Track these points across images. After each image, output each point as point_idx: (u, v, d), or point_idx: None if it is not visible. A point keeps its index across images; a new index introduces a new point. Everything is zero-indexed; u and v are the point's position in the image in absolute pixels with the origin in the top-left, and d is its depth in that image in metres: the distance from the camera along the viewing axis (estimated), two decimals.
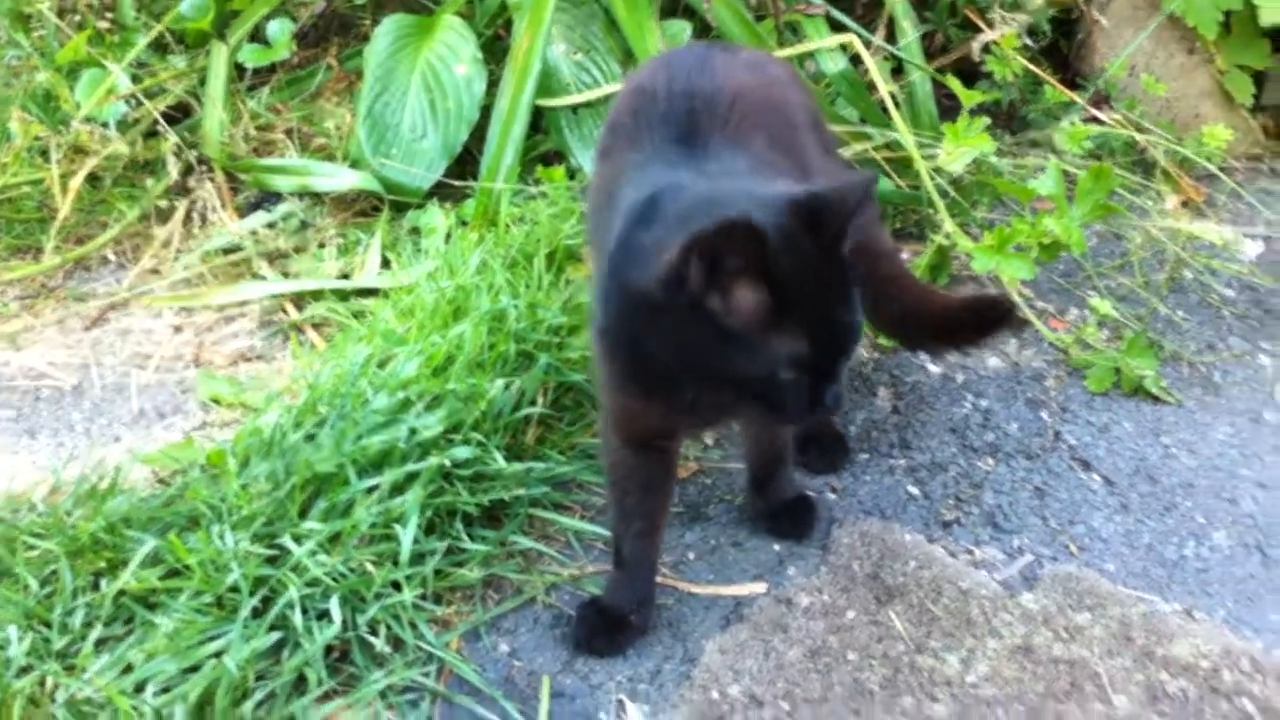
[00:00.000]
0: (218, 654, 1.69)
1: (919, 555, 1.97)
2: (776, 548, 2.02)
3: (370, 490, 1.93)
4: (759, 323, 1.43)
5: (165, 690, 1.66)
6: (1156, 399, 2.32)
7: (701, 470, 2.18)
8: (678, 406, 1.63)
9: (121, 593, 1.80)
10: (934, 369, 2.41)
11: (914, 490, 2.14)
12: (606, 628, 1.85)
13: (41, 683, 1.68)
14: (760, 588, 1.94)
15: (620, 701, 1.76)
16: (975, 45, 2.87)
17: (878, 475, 2.17)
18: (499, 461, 2.02)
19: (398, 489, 1.94)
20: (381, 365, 2.17)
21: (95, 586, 1.82)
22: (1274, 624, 1.87)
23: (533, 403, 2.13)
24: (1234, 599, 1.91)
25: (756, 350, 1.44)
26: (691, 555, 2.01)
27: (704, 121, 1.75)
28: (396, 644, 1.80)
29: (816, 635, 1.84)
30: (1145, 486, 2.13)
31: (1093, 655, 1.79)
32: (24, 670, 1.70)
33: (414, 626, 1.82)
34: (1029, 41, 3.03)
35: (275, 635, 1.73)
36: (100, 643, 1.75)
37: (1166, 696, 1.73)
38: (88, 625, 1.77)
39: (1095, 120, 2.84)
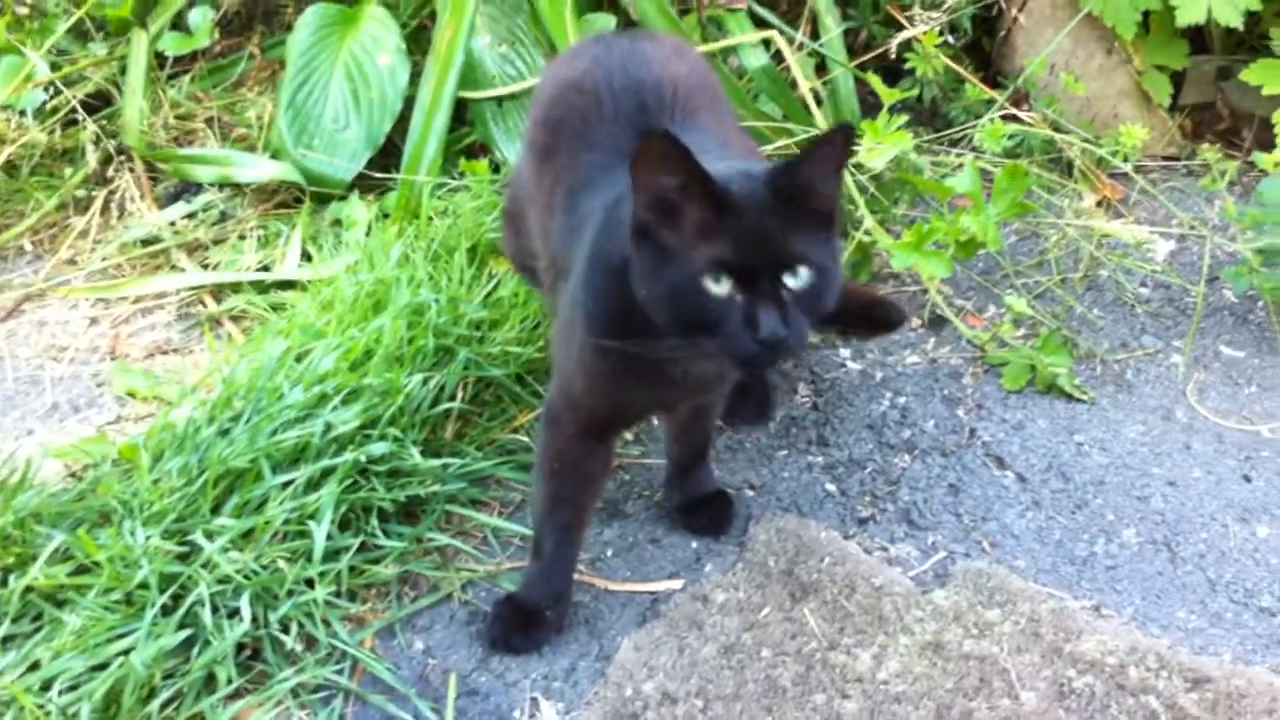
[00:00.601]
0: (126, 652, 1.68)
1: (834, 552, 1.99)
2: (694, 544, 2.03)
3: (284, 486, 1.92)
4: (695, 234, 1.45)
5: (72, 688, 1.64)
6: (1070, 397, 2.35)
7: (621, 466, 2.19)
8: (666, 383, 1.66)
9: (30, 589, 1.78)
10: (854, 365, 2.43)
11: (831, 487, 2.15)
12: (522, 624, 1.85)
13: None
14: (677, 584, 1.95)
15: (535, 699, 1.77)
16: (894, 43, 2.89)
17: (796, 472, 2.18)
18: (416, 457, 2.01)
19: (312, 485, 1.93)
20: (299, 359, 2.15)
21: (3, 582, 1.80)
22: (1181, 621, 1.90)
23: (452, 398, 2.13)
24: (1142, 596, 1.94)
25: (687, 258, 1.46)
26: (609, 552, 2.02)
27: (655, 114, 1.80)
28: (309, 642, 1.80)
29: (731, 632, 1.85)
30: (1057, 483, 2.16)
31: (1002, 651, 1.81)
32: None
33: (327, 624, 1.81)
34: (950, 39, 3.05)
35: (185, 633, 1.72)
36: (7, 640, 1.74)
37: (1073, 693, 1.75)
38: None
39: (1015, 119, 2.87)
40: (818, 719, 1.71)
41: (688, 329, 1.49)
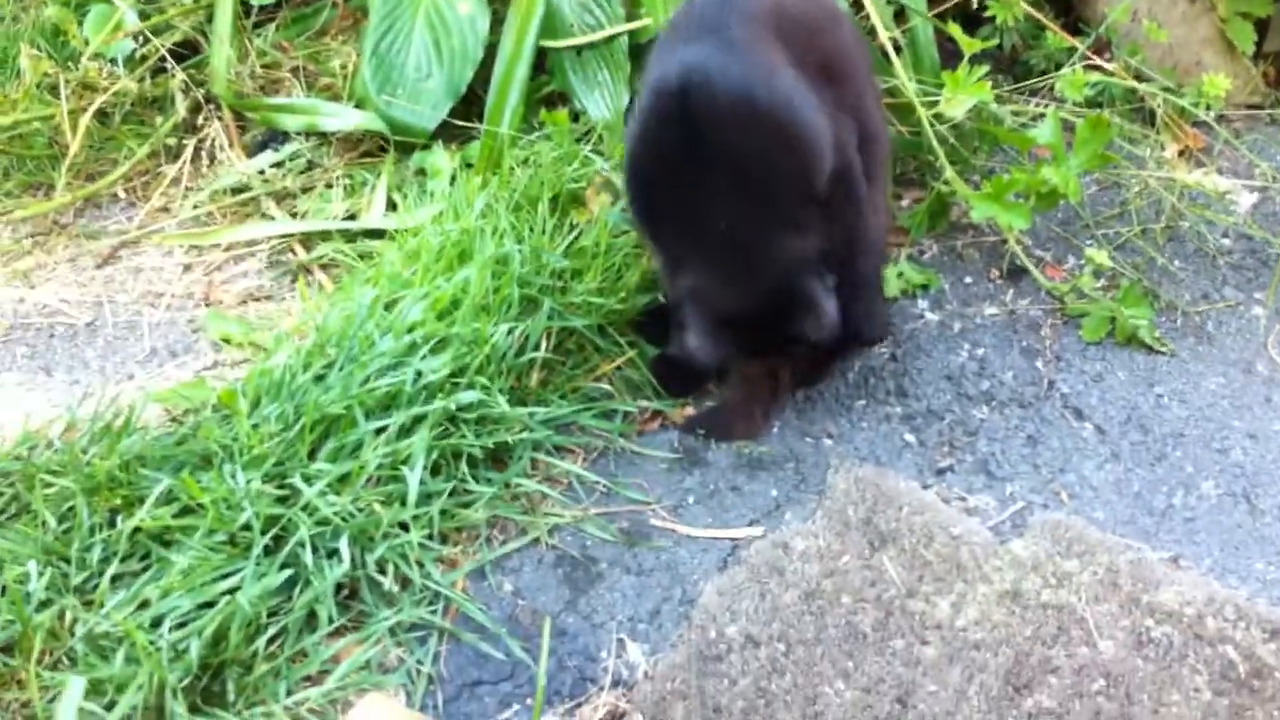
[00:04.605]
0: (231, 591, 1.75)
1: (912, 501, 2.02)
2: (774, 493, 2.07)
3: (378, 432, 1.98)
4: None
5: (181, 626, 1.71)
6: (1150, 348, 2.36)
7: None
8: None
9: (137, 530, 1.85)
10: (932, 316, 2.45)
11: (909, 437, 2.18)
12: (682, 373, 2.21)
13: (61, 616, 1.74)
14: (757, 531, 2.00)
15: (620, 640, 1.82)
16: None
17: (874, 422, 2.21)
18: (503, 405, 2.06)
19: (405, 431, 1.99)
20: (388, 308, 2.20)
21: (111, 523, 1.87)
22: (1258, 573, 1.92)
23: (536, 347, 2.17)
24: (1220, 548, 1.97)
25: None
26: (691, 499, 2.06)
27: (717, 19, 1.98)
28: (404, 583, 1.86)
29: (811, 579, 1.89)
30: (1136, 435, 2.18)
31: (1079, 601, 1.84)
32: (44, 604, 1.75)
33: (421, 565, 1.88)
34: None
35: (286, 573, 1.79)
36: (117, 578, 1.80)
37: (1151, 642, 1.78)
38: (105, 561, 1.82)
39: (1096, 67, 2.85)
40: (897, 664, 1.76)
41: None
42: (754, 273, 1.93)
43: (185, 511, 1.87)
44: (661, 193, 1.95)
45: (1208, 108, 2.76)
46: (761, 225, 1.91)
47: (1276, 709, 1.69)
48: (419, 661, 1.77)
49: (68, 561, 1.81)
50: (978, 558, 1.92)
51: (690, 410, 2.23)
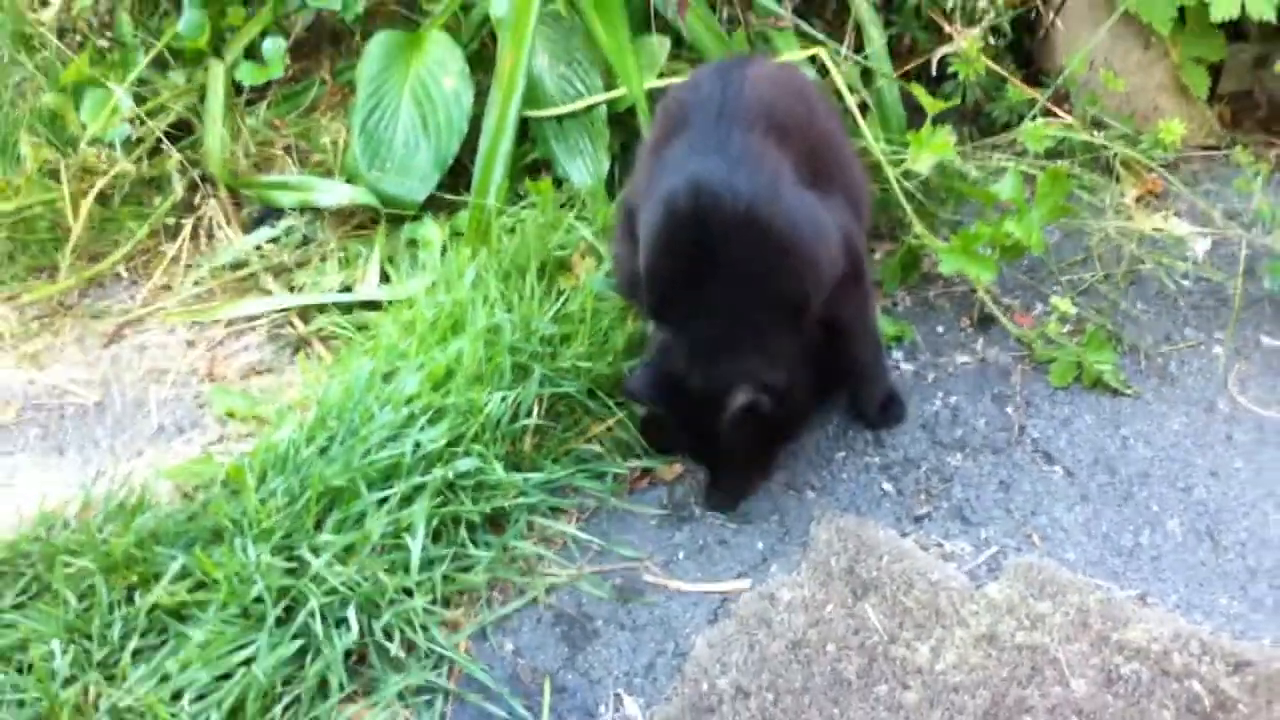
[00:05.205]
0: (247, 662, 1.84)
1: (892, 549, 2.12)
2: (759, 545, 2.17)
3: (380, 502, 2.07)
4: None
5: (200, 698, 1.80)
6: (1116, 391, 2.46)
7: (689, 471, 2.32)
8: None
9: (155, 606, 1.94)
10: (906, 366, 2.55)
11: (888, 486, 2.28)
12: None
13: (85, 692, 1.83)
14: (745, 584, 2.09)
15: (618, 695, 1.92)
16: (938, 55, 3.00)
17: (854, 473, 2.31)
18: (499, 471, 2.16)
19: (406, 500, 2.09)
20: (386, 379, 2.30)
21: (130, 600, 1.96)
22: (1222, 607, 2.02)
23: (529, 413, 2.27)
24: (1185, 584, 2.06)
25: None
26: (681, 554, 2.16)
27: (725, 119, 2.10)
28: (410, 647, 1.95)
29: (797, 628, 1.99)
30: (1104, 477, 2.28)
31: (1052, 641, 1.94)
32: (69, 681, 1.84)
33: (425, 630, 1.97)
34: (992, 40, 3.13)
35: (298, 643, 1.88)
36: (137, 653, 1.89)
37: (1120, 679, 1.88)
38: (125, 637, 1.91)
39: (1057, 116, 2.97)
40: (881, 709, 1.86)
41: None
42: (708, 359, 2.04)
43: (199, 586, 1.97)
44: (674, 292, 2.06)
45: (1164, 150, 2.86)
46: (740, 333, 2.04)
47: None
48: None
49: (89, 638, 1.91)
50: (955, 603, 2.01)
51: (679, 467, 2.32)
